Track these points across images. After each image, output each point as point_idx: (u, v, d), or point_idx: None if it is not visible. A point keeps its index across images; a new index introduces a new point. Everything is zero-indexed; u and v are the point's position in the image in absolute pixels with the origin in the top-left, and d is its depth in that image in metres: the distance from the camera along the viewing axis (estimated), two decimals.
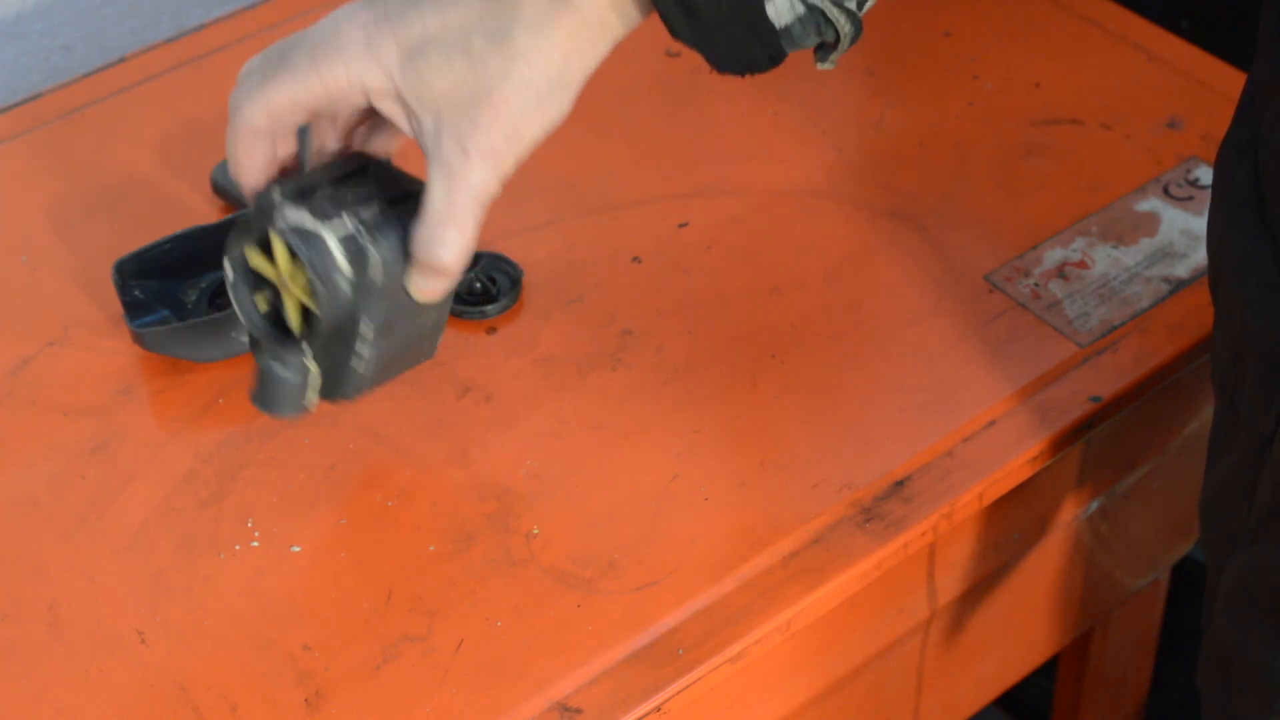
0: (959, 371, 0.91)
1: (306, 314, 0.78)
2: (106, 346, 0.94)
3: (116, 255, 0.94)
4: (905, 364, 0.92)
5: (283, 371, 0.80)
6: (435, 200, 0.74)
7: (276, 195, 0.75)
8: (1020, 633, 1.04)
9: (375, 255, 0.76)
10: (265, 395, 0.81)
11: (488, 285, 0.95)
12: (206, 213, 1.01)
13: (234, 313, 0.90)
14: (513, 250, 0.98)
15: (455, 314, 0.94)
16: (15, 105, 1.11)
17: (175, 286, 0.95)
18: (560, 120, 0.75)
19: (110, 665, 0.80)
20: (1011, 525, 0.95)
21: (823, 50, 0.75)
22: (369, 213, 0.76)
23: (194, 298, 0.95)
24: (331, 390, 0.81)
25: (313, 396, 0.81)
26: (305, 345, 0.79)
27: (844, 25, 0.74)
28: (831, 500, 0.85)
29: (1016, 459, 0.87)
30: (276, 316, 0.79)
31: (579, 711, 0.78)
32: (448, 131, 0.73)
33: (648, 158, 1.04)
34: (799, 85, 1.09)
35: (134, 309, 0.93)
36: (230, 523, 0.85)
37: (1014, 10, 1.14)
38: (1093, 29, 1.12)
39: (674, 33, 0.72)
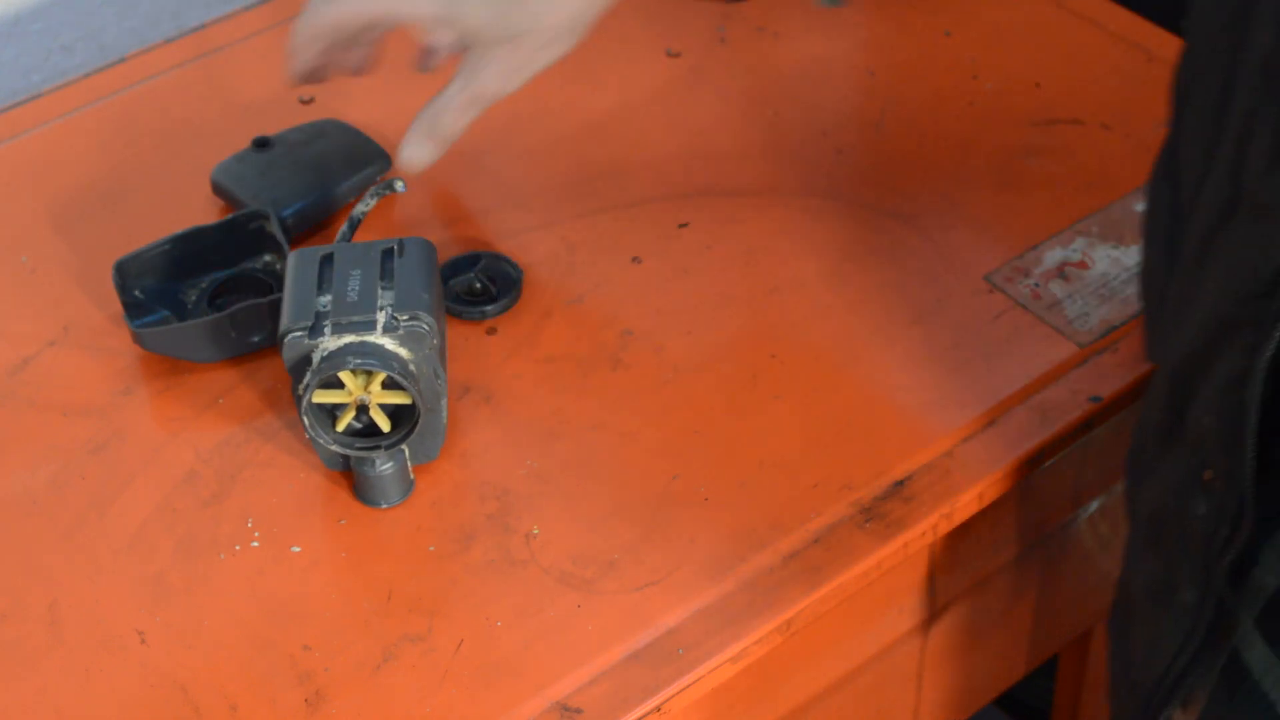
0: (959, 371, 0.91)
1: (393, 410, 0.85)
2: (106, 346, 0.94)
3: (116, 255, 0.94)
4: (905, 364, 0.92)
5: (385, 467, 0.85)
6: (451, 88, 0.93)
7: (324, 337, 0.83)
8: (1020, 633, 1.04)
9: (428, 320, 0.83)
10: (377, 494, 0.86)
11: (488, 285, 0.95)
12: (206, 213, 1.01)
13: (234, 313, 0.90)
14: (513, 250, 0.98)
15: (455, 314, 0.94)
16: (15, 105, 1.11)
17: (175, 286, 0.95)
18: (563, 56, 0.92)
19: (110, 665, 0.80)
20: (1011, 525, 0.95)
21: None
22: (386, 295, 0.84)
23: (194, 298, 0.95)
24: (421, 455, 0.87)
25: (410, 473, 0.87)
26: (396, 434, 0.84)
27: None
28: (831, 500, 0.85)
29: (1016, 459, 0.87)
30: (356, 429, 0.85)
31: (579, 711, 0.78)
32: (475, 52, 0.92)
33: (648, 158, 1.04)
34: (799, 85, 1.09)
35: (134, 309, 0.93)
36: (230, 523, 0.85)
37: (1014, 10, 1.14)
38: (1093, 29, 1.12)
39: None
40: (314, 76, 0.97)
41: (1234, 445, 0.69)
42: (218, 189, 1.01)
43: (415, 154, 0.95)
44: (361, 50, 0.97)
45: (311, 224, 1.00)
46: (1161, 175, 0.81)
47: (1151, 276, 0.82)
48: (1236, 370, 0.68)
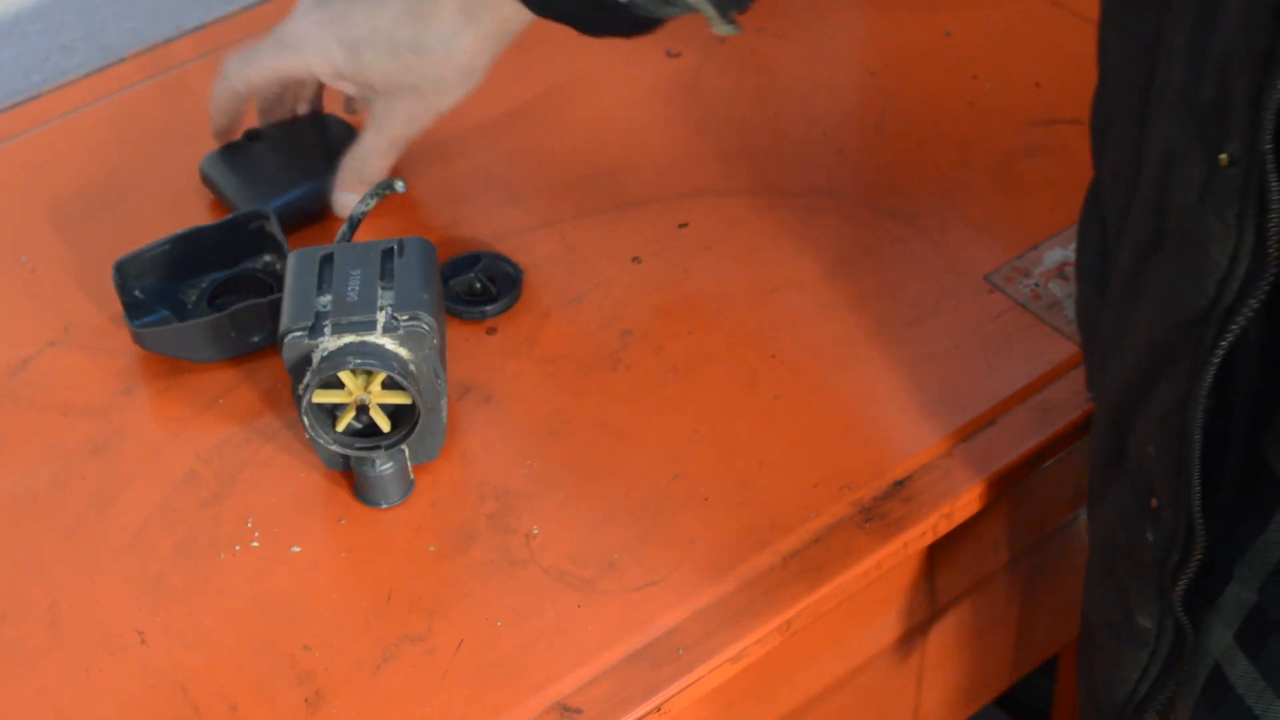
0: (959, 371, 0.91)
1: (393, 410, 0.85)
2: (106, 346, 0.94)
3: (116, 255, 0.94)
4: (905, 364, 0.92)
5: (385, 467, 0.85)
6: (367, 138, 0.98)
7: (324, 337, 0.83)
8: (1020, 633, 1.04)
9: (428, 320, 0.83)
10: (377, 494, 0.86)
11: (488, 285, 0.95)
12: (206, 213, 1.01)
13: (234, 313, 0.90)
14: (513, 250, 0.98)
15: (455, 314, 0.94)
16: (15, 105, 1.11)
17: (175, 286, 0.95)
18: (469, 94, 0.96)
19: (110, 665, 0.80)
20: (1011, 525, 0.95)
21: (708, 16, 0.87)
22: (386, 295, 0.84)
23: (194, 298, 0.95)
24: (421, 455, 0.86)
25: (410, 473, 0.87)
26: (396, 434, 0.84)
27: None
28: (831, 500, 0.85)
29: (1016, 459, 0.87)
30: (356, 429, 0.85)
31: (579, 711, 0.78)
32: (381, 100, 0.96)
33: (648, 158, 1.04)
34: (799, 85, 1.09)
35: (134, 309, 0.93)
36: (230, 523, 0.85)
37: (1014, 10, 1.14)
38: (1093, 29, 1.11)
39: (535, 11, 0.90)
40: (236, 131, 1.02)
41: (1178, 472, 0.70)
42: (206, 180, 1.01)
43: (349, 201, 0.98)
44: (305, 103, 1.04)
45: (301, 217, 1.00)
46: (1090, 210, 0.82)
47: (1085, 310, 0.82)
48: (1176, 398, 0.69)
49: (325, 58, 0.95)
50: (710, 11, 0.87)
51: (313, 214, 1.00)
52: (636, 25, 0.90)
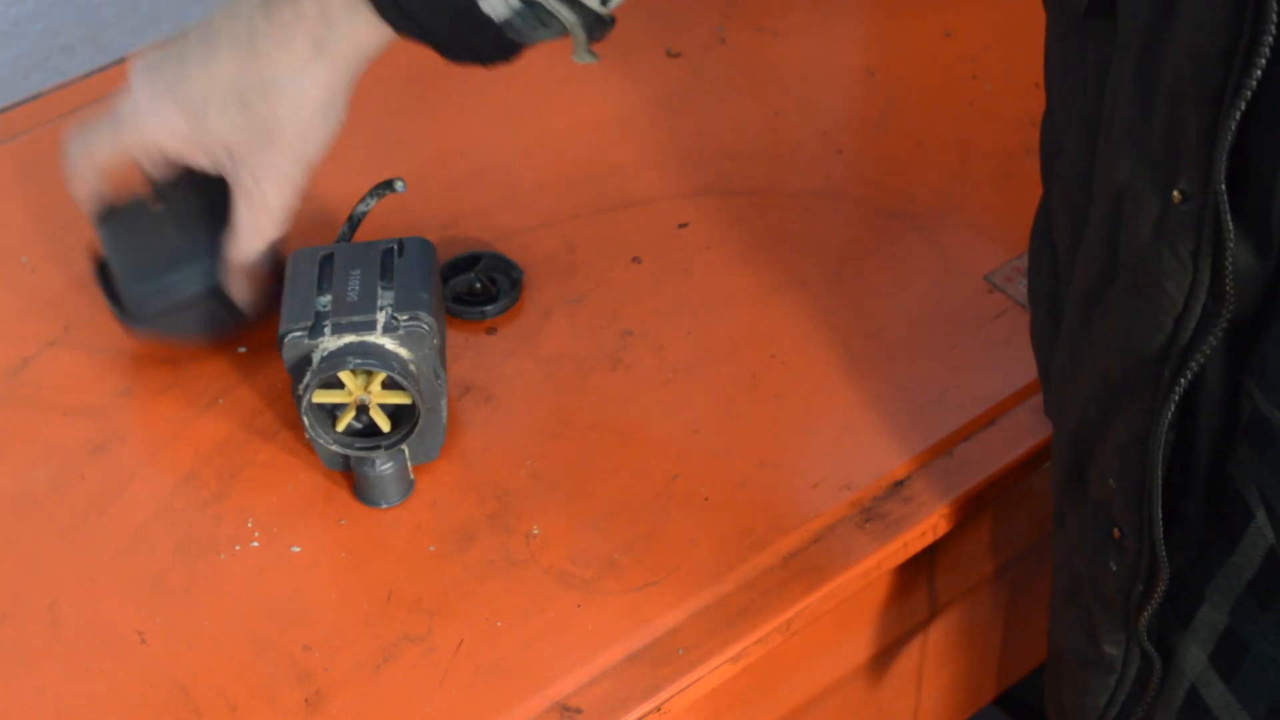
0: (959, 371, 0.91)
1: (393, 410, 0.85)
2: (106, 346, 0.94)
3: None
4: (905, 364, 0.92)
5: (385, 467, 0.85)
6: (241, 220, 0.87)
7: (325, 337, 0.83)
8: (1020, 633, 1.04)
9: (428, 320, 0.83)
10: (377, 494, 0.86)
11: (488, 285, 0.95)
12: None
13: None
14: (513, 250, 0.98)
15: (455, 314, 0.94)
16: (15, 105, 1.11)
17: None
18: (338, 128, 0.86)
19: (110, 665, 0.80)
20: (1011, 525, 0.95)
21: (577, 41, 0.82)
22: (386, 295, 0.84)
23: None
24: (421, 455, 0.86)
25: (410, 473, 0.87)
26: (396, 434, 0.84)
27: (567, 16, 0.80)
28: (831, 500, 0.85)
29: (1016, 459, 0.87)
30: (356, 429, 0.86)
31: (579, 711, 0.78)
32: (242, 167, 0.85)
33: (648, 158, 1.04)
34: (799, 85, 1.09)
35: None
36: (230, 523, 0.85)
37: (1014, 10, 1.14)
38: None
39: (398, 30, 0.82)
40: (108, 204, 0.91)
41: (1140, 506, 0.69)
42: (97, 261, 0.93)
43: (251, 304, 0.90)
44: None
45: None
46: (1040, 235, 0.81)
47: (1039, 335, 0.82)
48: (1135, 432, 0.68)
49: (168, 128, 0.85)
50: (581, 36, 0.82)
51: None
52: (501, 49, 0.83)
